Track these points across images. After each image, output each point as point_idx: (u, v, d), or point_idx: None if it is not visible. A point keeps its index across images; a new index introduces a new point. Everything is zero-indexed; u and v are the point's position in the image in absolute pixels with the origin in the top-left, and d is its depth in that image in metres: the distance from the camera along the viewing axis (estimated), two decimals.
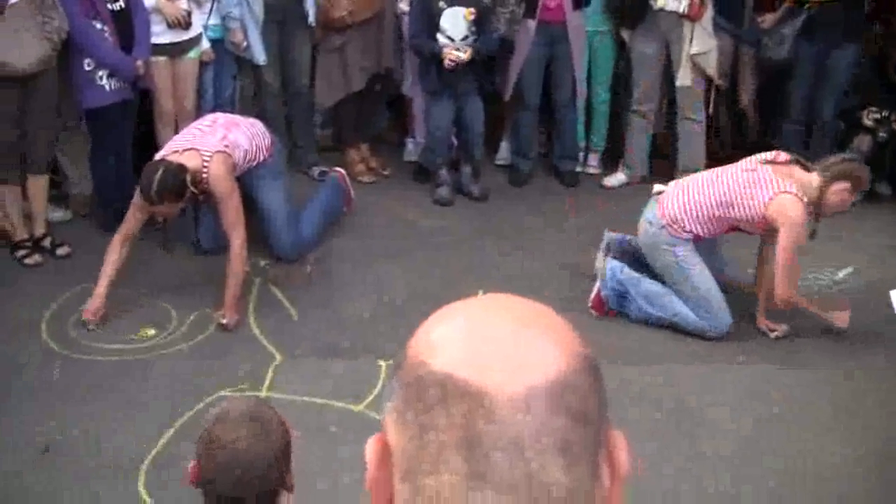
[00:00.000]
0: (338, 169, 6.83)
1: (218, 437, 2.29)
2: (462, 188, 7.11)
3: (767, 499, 4.15)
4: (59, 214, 6.50)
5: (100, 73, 5.94)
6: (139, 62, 6.05)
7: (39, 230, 6.10)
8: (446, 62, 6.54)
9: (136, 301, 5.56)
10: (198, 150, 5.34)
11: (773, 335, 5.35)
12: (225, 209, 5.39)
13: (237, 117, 5.94)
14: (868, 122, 6.87)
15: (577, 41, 7.04)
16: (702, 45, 6.79)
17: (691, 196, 5.24)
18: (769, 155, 5.27)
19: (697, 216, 5.21)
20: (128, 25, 6.04)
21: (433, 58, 6.66)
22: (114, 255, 5.38)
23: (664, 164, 7.23)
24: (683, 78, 6.92)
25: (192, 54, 6.52)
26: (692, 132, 7.13)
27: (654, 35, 6.94)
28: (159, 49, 6.31)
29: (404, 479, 0.90)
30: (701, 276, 5.28)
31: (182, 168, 5.19)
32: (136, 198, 5.31)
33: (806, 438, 4.53)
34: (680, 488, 4.18)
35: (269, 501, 2.28)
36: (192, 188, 5.23)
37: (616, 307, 5.47)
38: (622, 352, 5.07)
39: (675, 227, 5.24)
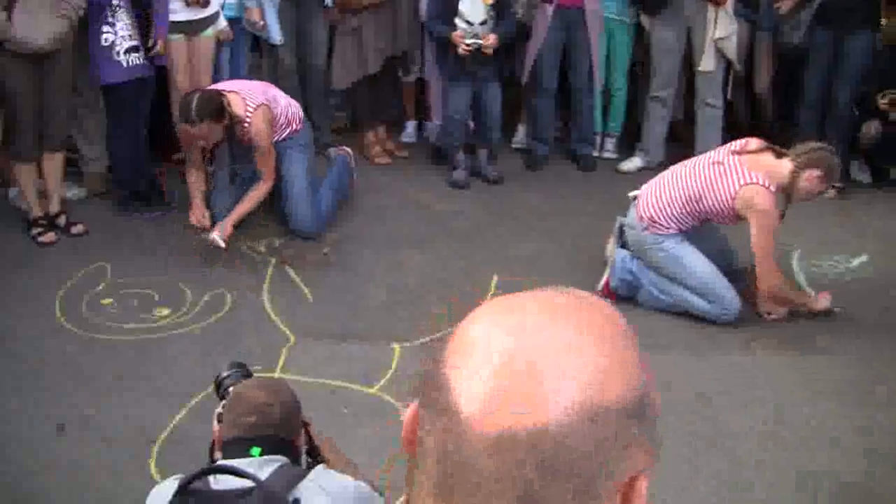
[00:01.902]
0: (344, 148, 6.86)
1: (239, 394, 2.59)
2: (478, 171, 7.11)
3: (787, 488, 4.13)
4: (74, 192, 6.51)
5: (117, 48, 5.94)
6: (159, 41, 6.07)
7: (54, 208, 6.10)
8: (460, 49, 6.52)
9: (151, 281, 5.57)
10: (243, 98, 5.67)
11: (769, 317, 5.34)
12: (263, 159, 5.83)
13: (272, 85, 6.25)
14: (883, 104, 6.80)
15: (595, 27, 7.03)
16: (725, 29, 6.80)
17: (663, 194, 5.29)
18: (739, 143, 5.28)
19: (671, 213, 5.25)
20: None
21: (442, 42, 6.64)
22: (193, 178, 5.93)
23: (680, 149, 7.21)
24: (706, 63, 6.92)
25: (209, 32, 6.51)
26: (711, 117, 7.11)
27: (676, 21, 6.93)
28: (176, 26, 6.32)
29: None
30: (696, 263, 5.29)
31: (219, 93, 5.57)
32: (181, 135, 5.82)
33: (825, 427, 4.51)
34: (698, 477, 4.16)
35: (283, 448, 2.51)
36: (230, 113, 5.60)
37: (626, 295, 5.46)
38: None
39: (655, 226, 5.29)
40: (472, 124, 7.23)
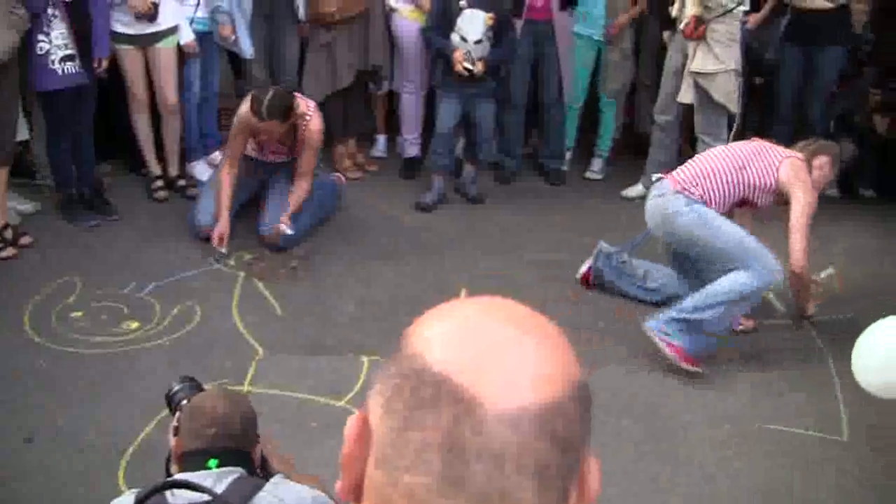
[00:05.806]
0: (337, 173, 6.96)
1: (197, 406, 2.57)
2: (460, 187, 7.13)
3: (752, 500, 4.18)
4: (26, 206, 6.47)
5: (52, 57, 5.91)
6: (103, 62, 6.16)
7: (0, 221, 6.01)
8: (458, 67, 6.51)
9: (120, 294, 5.57)
10: (304, 99, 6.10)
11: (738, 328, 5.35)
12: (310, 156, 6.16)
13: None
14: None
15: (564, 41, 7.05)
16: (702, 64, 6.42)
17: (706, 163, 5.20)
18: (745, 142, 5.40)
19: (713, 182, 5.10)
20: (83, 5, 6.02)
21: (439, 53, 6.67)
22: (225, 181, 6.07)
23: None
24: (682, 95, 6.67)
25: (165, 44, 6.50)
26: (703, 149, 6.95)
27: (677, 46, 6.75)
28: (126, 38, 6.36)
29: (379, 465, 0.91)
30: (729, 226, 5.08)
31: (292, 94, 5.93)
32: (239, 121, 5.92)
33: (784, 442, 4.56)
34: (653, 494, 4.19)
35: (240, 460, 2.50)
36: (296, 112, 5.91)
37: (599, 283, 5.73)
38: (586, 356, 5.09)
39: (691, 190, 5.10)
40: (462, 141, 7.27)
